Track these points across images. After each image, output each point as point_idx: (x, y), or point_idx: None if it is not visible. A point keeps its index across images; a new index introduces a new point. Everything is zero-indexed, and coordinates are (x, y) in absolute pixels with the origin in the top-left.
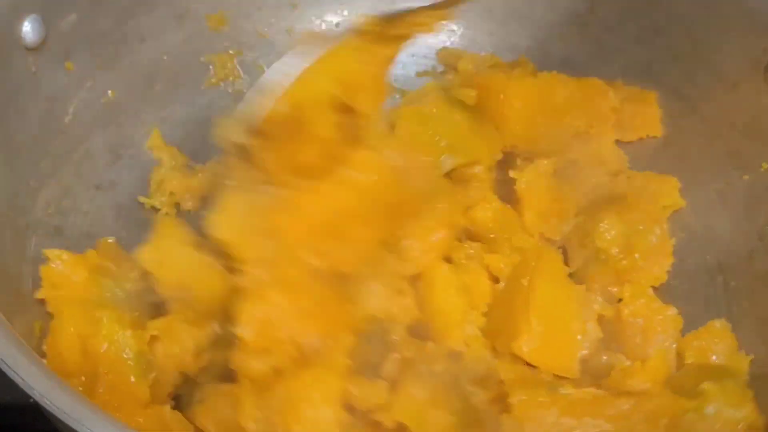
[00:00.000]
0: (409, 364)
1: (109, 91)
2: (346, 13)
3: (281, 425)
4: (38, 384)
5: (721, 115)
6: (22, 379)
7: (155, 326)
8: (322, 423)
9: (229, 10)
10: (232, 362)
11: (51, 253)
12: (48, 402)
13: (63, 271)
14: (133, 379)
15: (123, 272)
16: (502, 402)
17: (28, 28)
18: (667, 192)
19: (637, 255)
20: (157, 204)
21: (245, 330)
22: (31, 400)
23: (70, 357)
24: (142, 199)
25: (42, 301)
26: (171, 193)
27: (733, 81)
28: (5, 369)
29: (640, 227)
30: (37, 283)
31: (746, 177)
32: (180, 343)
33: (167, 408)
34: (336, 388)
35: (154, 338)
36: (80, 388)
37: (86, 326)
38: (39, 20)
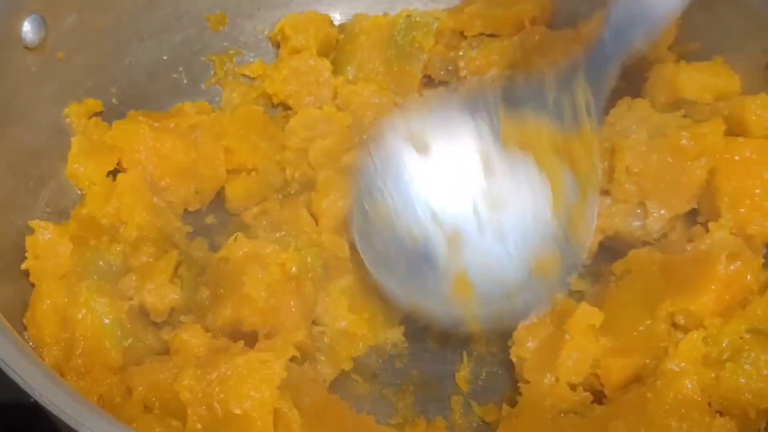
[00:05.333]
0: None
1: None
2: (345, 12)
3: (218, 400)
4: (38, 384)
5: None
6: (22, 379)
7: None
8: (260, 404)
9: (229, 10)
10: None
11: (36, 224)
12: (48, 402)
13: (47, 243)
14: (107, 344)
15: (104, 245)
16: None
17: (28, 28)
18: None
19: None
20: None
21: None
22: (31, 400)
23: (47, 326)
24: None
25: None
26: None
27: None
28: (5, 369)
29: None
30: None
31: None
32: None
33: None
34: (278, 372)
35: (132, 307)
36: (56, 352)
37: (65, 296)
38: (39, 20)
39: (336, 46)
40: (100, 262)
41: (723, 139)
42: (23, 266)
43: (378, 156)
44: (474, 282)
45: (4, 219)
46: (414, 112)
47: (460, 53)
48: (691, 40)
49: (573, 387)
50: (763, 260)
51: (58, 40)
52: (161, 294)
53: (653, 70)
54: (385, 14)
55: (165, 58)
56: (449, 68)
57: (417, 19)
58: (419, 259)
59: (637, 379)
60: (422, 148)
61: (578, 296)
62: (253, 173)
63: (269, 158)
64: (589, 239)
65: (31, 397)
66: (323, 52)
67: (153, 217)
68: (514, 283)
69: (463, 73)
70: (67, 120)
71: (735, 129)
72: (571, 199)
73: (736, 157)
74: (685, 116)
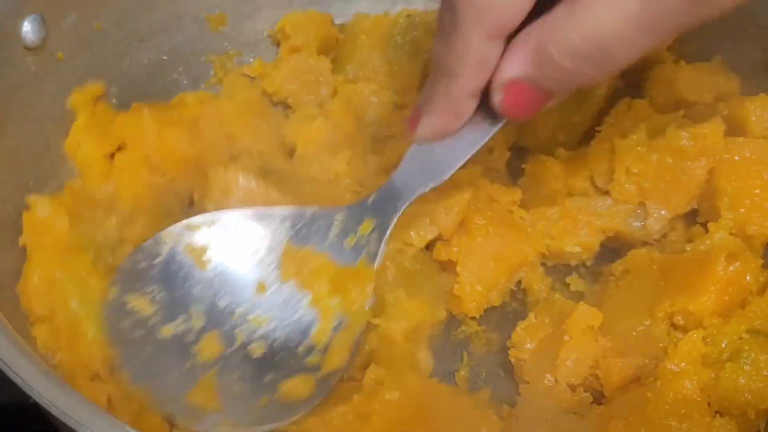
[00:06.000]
0: None
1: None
2: (346, 11)
3: None
4: (38, 384)
5: None
6: (22, 379)
7: None
8: None
9: (229, 11)
10: None
11: (32, 200)
12: (48, 402)
13: (45, 218)
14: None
15: (99, 218)
16: None
17: (28, 28)
18: None
19: None
20: None
21: None
22: (31, 400)
23: (38, 298)
24: None
25: None
26: None
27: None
28: (5, 369)
29: None
30: None
31: None
32: None
33: None
34: None
35: None
36: (45, 330)
37: (58, 268)
38: (39, 20)
39: (336, 45)
40: (96, 235)
41: (723, 139)
42: (20, 242)
43: (150, 253)
44: (220, 384)
45: (5, 219)
46: (201, 224)
47: None
48: (690, 41)
49: (573, 388)
50: (763, 261)
51: (58, 40)
52: None
53: (653, 70)
54: (386, 14)
55: (165, 58)
56: None
57: (417, 18)
58: (167, 354)
59: (637, 379)
60: (201, 264)
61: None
62: (257, 156)
63: (272, 142)
64: (343, 369)
65: (31, 397)
66: (323, 51)
67: (150, 190)
68: (260, 395)
69: None
70: (72, 107)
71: (735, 129)
72: (336, 330)
73: (736, 158)
74: (684, 116)
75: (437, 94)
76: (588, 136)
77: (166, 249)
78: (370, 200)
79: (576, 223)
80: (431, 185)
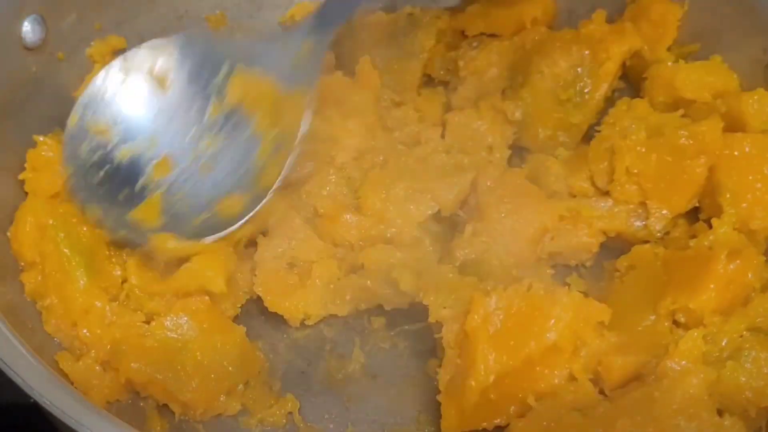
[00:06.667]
0: None
1: None
2: None
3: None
4: (38, 384)
5: None
6: (22, 380)
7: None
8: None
9: (229, 10)
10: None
11: (39, 139)
12: (48, 402)
13: (49, 158)
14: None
15: None
16: None
17: (28, 28)
18: None
19: None
20: None
21: None
22: (31, 400)
23: (27, 244)
24: None
25: None
26: None
27: None
28: (5, 369)
29: None
30: None
31: None
32: None
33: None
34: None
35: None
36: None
37: (48, 218)
38: (39, 20)
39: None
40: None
41: (722, 135)
42: (20, 176)
43: (114, 76)
44: (165, 201)
45: (5, 219)
46: (161, 48)
47: (460, 53)
48: (690, 41)
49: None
50: (766, 258)
51: (58, 40)
52: None
53: (651, 70)
54: (388, 12)
55: None
56: (449, 68)
57: (419, 17)
58: (120, 175)
59: (638, 377)
60: (159, 82)
61: None
62: None
63: None
64: (273, 186)
65: (31, 397)
66: (330, 46)
67: None
68: (199, 211)
69: (462, 73)
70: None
71: (733, 125)
72: (272, 153)
73: (736, 153)
74: (684, 116)
75: None
76: (588, 136)
77: (131, 73)
78: (308, 23)
79: (577, 224)
80: (364, 3)
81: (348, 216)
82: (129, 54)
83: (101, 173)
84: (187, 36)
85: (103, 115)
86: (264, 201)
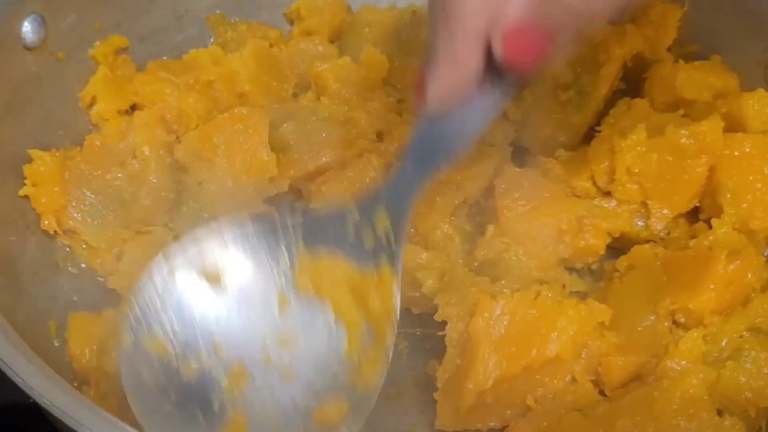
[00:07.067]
0: None
1: None
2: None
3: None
4: (38, 384)
5: None
6: (22, 380)
7: None
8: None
9: (229, 10)
10: None
11: (35, 153)
12: (48, 402)
13: (46, 172)
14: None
15: (103, 179)
16: None
17: (28, 28)
18: None
19: None
20: None
21: None
22: (31, 400)
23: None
24: None
25: None
26: None
27: None
28: (5, 369)
29: None
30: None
31: None
32: None
33: None
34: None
35: None
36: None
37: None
38: (39, 20)
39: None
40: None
41: (722, 135)
42: (21, 192)
43: (161, 281)
44: (250, 421)
45: (6, 219)
46: (209, 241)
47: None
48: (690, 41)
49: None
50: (766, 258)
51: (58, 40)
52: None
53: (652, 70)
54: (392, 6)
55: (165, 58)
56: None
57: (423, 15)
58: (193, 396)
59: (638, 377)
60: (213, 280)
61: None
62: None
63: (282, 96)
64: (379, 385)
65: (31, 397)
66: (334, 38)
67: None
68: (294, 427)
69: None
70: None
71: (734, 125)
72: (366, 343)
73: (736, 153)
74: (684, 115)
75: (439, 45)
76: (588, 136)
77: (178, 274)
78: (381, 189)
79: (582, 226)
80: (443, 166)
81: None
82: (170, 251)
83: (172, 399)
84: (235, 221)
85: (157, 331)
86: (371, 403)
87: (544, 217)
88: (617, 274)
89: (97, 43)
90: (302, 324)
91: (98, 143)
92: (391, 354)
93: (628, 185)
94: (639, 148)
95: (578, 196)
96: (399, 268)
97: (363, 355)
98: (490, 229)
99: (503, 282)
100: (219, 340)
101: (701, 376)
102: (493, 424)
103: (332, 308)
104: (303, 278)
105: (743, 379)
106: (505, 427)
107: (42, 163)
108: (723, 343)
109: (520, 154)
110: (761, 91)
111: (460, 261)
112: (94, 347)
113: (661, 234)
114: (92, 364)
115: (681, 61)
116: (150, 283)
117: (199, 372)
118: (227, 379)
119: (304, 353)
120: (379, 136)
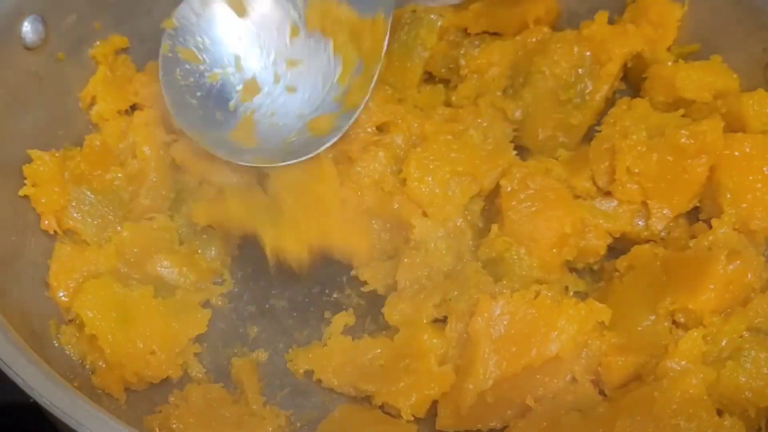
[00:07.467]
0: None
1: None
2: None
3: None
4: (38, 384)
5: None
6: (22, 380)
7: None
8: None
9: None
10: None
11: (35, 153)
12: (48, 402)
13: (45, 173)
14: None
15: (103, 178)
16: None
17: (28, 28)
18: None
19: None
20: None
21: None
22: (31, 400)
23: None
24: None
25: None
26: None
27: None
28: (5, 369)
29: None
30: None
31: None
32: None
33: None
34: None
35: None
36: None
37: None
38: (39, 20)
39: None
40: (92, 197)
41: (722, 135)
42: (20, 192)
43: (198, 4)
44: (257, 121)
45: (6, 219)
46: None
47: (462, 51)
48: (690, 41)
49: (582, 382)
50: (766, 258)
51: (58, 40)
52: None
53: (652, 70)
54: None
55: None
56: (450, 66)
57: (422, 15)
58: (213, 96)
59: (638, 377)
60: (241, 12)
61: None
62: None
63: None
64: (360, 107)
65: (31, 397)
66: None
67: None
68: (291, 130)
69: (463, 72)
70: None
71: (734, 125)
72: (355, 75)
73: (736, 153)
74: (684, 115)
75: None
76: (588, 136)
77: (210, 2)
78: None
79: (584, 227)
80: None
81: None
82: None
83: (197, 96)
84: None
85: (190, 42)
86: (353, 118)
87: (549, 221)
88: (617, 274)
89: (97, 43)
90: (307, 52)
91: (98, 143)
92: (373, 85)
93: (628, 185)
94: (639, 148)
95: (579, 196)
96: (391, 17)
97: (352, 82)
98: (494, 228)
99: (504, 282)
100: (239, 54)
101: (701, 376)
102: (493, 424)
103: (333, 44)
104: (313, 15)
105: (743, 379)
106: (505, 427)
107: (42, 163)
108: (723, 343)
109: (520, 154)
110: (761, 91)
111: (468, 256)
112: (73, 283)
113: (662, 234)
114: (69, 295)
115: (681, 61)
116: (187, 5)
117: (221, 78)
118: (242, 87)
119: (305, 74)
120: (381, 129)
